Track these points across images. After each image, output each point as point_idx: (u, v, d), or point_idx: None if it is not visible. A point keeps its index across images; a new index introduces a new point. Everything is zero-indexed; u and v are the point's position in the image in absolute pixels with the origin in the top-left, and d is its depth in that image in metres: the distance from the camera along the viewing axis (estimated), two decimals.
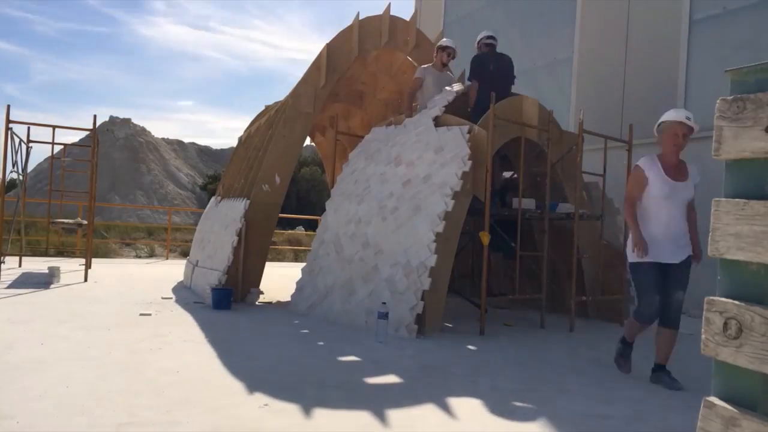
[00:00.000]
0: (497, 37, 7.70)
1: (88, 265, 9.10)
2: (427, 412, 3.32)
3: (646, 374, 4.50)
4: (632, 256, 4.29)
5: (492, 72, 7.23)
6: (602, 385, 4.14)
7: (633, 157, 7.10)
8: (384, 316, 5.24)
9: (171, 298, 7.37)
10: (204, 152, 76.17)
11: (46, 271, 8.52)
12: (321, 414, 3.18)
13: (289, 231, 20.55)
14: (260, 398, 3.39)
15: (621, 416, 3.45)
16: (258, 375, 3.90)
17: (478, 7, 13.09)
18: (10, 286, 7.64)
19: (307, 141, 9.77)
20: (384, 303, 5.41)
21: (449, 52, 7.68)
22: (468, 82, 7.58)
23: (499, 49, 7.60)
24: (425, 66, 7.67)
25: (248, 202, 7.33)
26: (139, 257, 15.23)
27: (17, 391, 3.29)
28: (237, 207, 7.59)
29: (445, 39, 7.95)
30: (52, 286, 7.94)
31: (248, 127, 10.03)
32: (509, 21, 11.90)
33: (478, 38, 7.63)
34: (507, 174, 7.96)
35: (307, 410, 3.22)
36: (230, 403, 3.27)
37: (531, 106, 6.84)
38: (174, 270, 10.32)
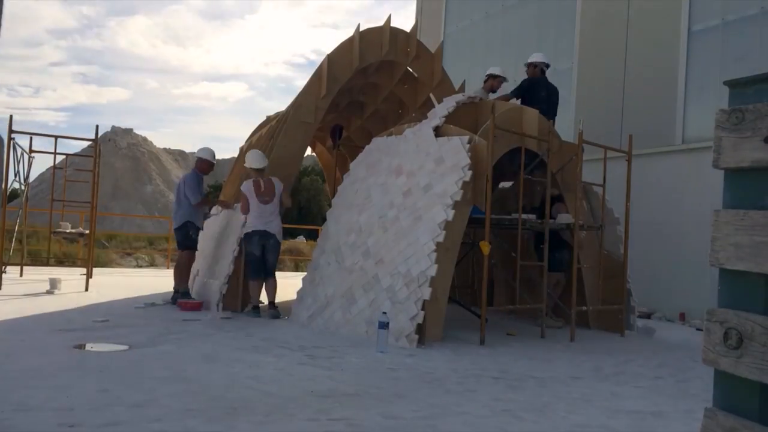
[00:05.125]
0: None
1: (89, 275, 9.10)
2: (427, 422, 3.31)
3: (647, 385, 4.50)
4: None
5: (544, 97, 7.69)
6: (603, 396, 4.12)
7: (633, 167, 7.13)
8: (384, 325, 5.23)
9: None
10: None
11: None
12: (321, 424, 3.17)
13: (290, 240, 20.55)
14: (256, 409, 3.38)
15: (623, 427, 3.44)
16: (257, 386, 3.89)
17: (478, 19, 13.16)
18: None
19: (308, 151, 9.81)
20: (384, 313, 5.40)
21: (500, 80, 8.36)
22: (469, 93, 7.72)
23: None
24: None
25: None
26: (140, 267, 15.24)
27: (16, 401, 3.28)
28: (238, 216, 7.59)
29: (498, 68, 8.46)
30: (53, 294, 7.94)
31: (249, 137, 10.06)
32: (509, 32, 11.96)
33: (532, 60, 8.06)
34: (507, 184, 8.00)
35: (307, 420, 3.21)
36: (226, 414, 3.26)
37: (531, 116, 6.86)
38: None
